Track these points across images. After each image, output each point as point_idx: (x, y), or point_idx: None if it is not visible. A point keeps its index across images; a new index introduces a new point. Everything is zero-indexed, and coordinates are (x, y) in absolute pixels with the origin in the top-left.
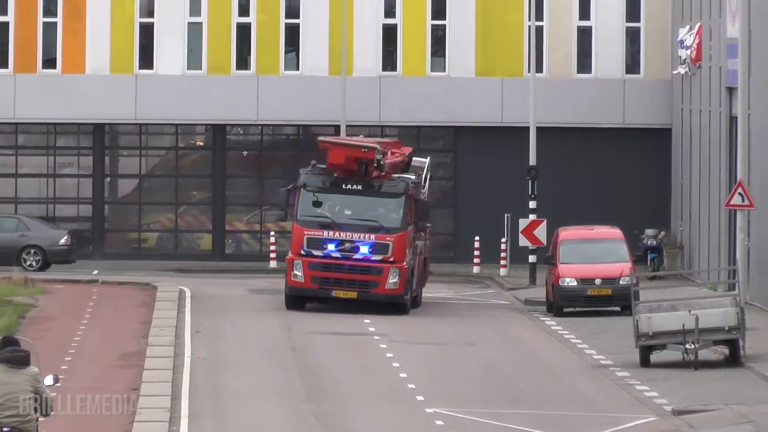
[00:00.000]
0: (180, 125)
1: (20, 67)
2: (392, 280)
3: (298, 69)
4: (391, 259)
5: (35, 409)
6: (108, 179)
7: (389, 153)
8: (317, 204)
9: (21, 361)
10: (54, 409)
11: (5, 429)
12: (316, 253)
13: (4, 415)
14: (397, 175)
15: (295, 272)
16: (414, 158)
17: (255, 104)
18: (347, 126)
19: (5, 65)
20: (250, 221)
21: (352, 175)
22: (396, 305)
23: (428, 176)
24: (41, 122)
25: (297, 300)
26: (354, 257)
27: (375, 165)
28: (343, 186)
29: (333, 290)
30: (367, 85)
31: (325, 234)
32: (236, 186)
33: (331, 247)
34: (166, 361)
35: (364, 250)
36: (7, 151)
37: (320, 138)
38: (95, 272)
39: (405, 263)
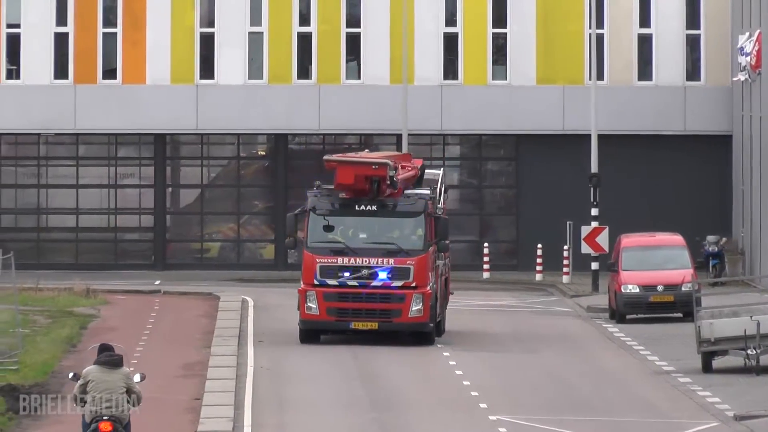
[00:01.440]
0: (241, 135)
1: (80, 78)
2: (415, 307)
3: (359, 78)
4: (413, 285)
5: (127, 401)
6: (170, 189)
7: (400, 168)
8: (328, 228)
9: (115, 363)
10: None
11: (105, 417)
12: (330, 282)
13: (103, 406)
14: (411, 191)
15: (309, 304)
16: (426, 170)
17: (316, 113)
18: (409, 134)
19: (65, 76)
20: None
21: (364, 195)
22: (420, 335)
23: (443, 189)
24: (102, 133)
25: (312, 334)
26: (372, 284)
27: (388, 182)
28: (356, 207)
29: (351, 321)
30: (429, 93)
31: (340, 261)
32: (298, 195)
33: (346, 274)
34: (228, 371)
35: (382, 276)
36: (68, 162)
37: (326, 157)
38: (157, 282)
39: (428, 288)
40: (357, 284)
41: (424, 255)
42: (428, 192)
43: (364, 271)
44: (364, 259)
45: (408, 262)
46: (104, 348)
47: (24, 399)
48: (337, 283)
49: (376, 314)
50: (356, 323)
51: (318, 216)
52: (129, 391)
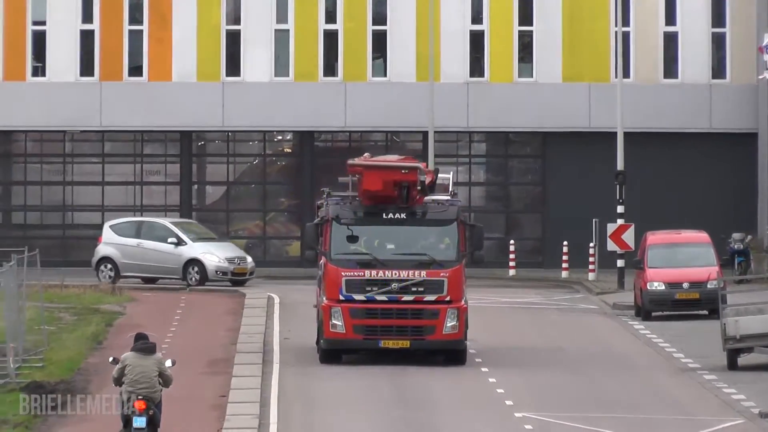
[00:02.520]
0: (267, 132)
1: (106, 75)
2: (450, 323)
3: (385, 75)
4: (448, 299)
5: (159, 383)
6: (195, 186)
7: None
8: (353, 239)
9: (149, 350)
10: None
11: (139, 397)
12: (357, 297)
13: (138, 388)
14: (439, 197)
15: (334, 322)
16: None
17: (342, 111)
18: (435, 132)
19: (91, 73)
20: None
21: (391, 202)
22: (453, 353)
23: (455, 193)
24: (128, 130)
25: (334, 354)
26: (403, 299)
27: (418, 188)
28: (384, 216)
29: (380, 340)
30: (455, 91)
31: (367, 274)
32: (324, 190)
33: (375, 289)
34: (254, 368)
35: (414, 290)
36: (93, 159)
37: (350, 162)
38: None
39: (463, 302)
40: (386, 299)
41: (458, 266)
42: (448, 197)
43: (394, 285)
44: (394, 272)
45: (441, 274)
46: (140, 337)
47: (50, 397)
48: (364, 299)
49: (407, 332)
50: (386, 341)
51: (341, 225)
52: (161, 375)
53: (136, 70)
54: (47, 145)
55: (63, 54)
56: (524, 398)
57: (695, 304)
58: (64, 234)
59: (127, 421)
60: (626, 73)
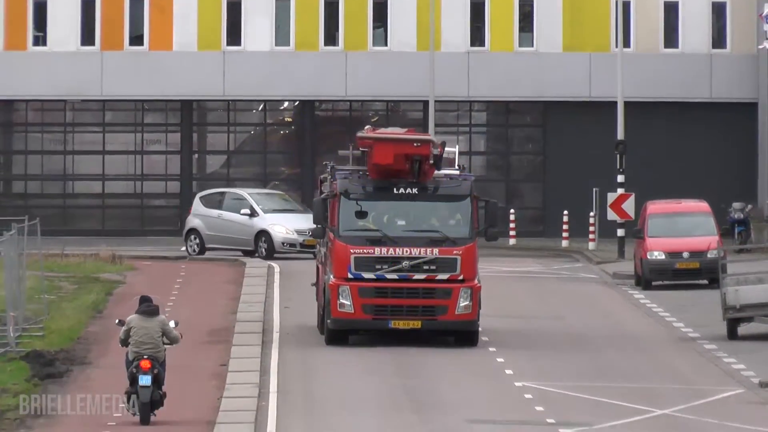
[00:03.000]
0: (268, 101)
1: (107, 45)
2: (463, 303)
3: (386, 45)
4: (461, 278)
5: (163, 343)
6: (196, 155)
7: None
8: (362, 215)
9: (153, 312)
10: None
11: (145, 356)
12: (366, 275)
13: (143, 348)
14: (450, 171)
15: (342, 301)
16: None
17: (343, 80)
18: (435, 101)
19: (92, 43)
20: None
21: (402, 177)
22: (465, 335)
23: (463, 167)
24: (128, 99)
25: (341, 335)
26: (414, 278)
27: (431, 162)
28: (394, 191)
29: (390, 320)
30: (455, 60)
31: (377, 251)
32: (324, 159)
33: (385, 267)
34: (254, 337)
35: (426, 268)
36: (94, 129)
37: (359, 134)
38: (183, 249)
39: (476, 281)
40: (397, 278)
41: (471, 244)
42: (457, 170)
43: (405, 263)
44: (405, 249)
45: (455, 252)
46: (144, 299)
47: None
48: (374, 277)
49: (418, 311)
50: (396, 322)
51: (350, 201)
52: (165, 335)
53: (137, 39)
54: (48, 115)
55: (64, 23)
56: (524, 368)
57: (695, 274)
58: (65, 203)
59: (133, 379)
60: (627, 43)
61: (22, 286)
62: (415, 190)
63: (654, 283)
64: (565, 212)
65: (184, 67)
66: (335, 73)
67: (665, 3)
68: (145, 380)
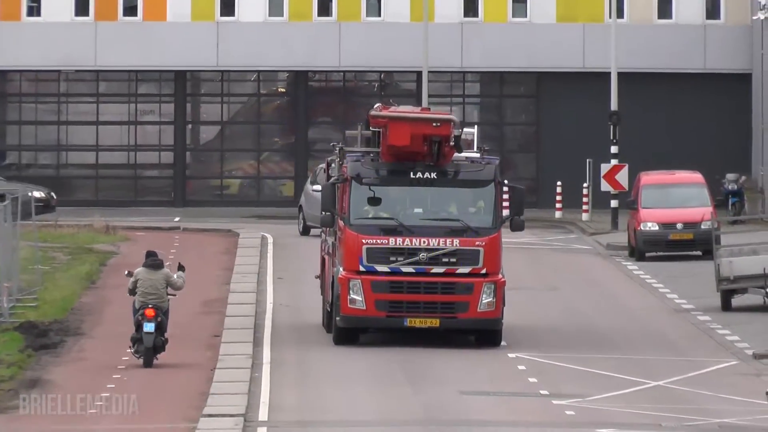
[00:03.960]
0: (261, 72)
1: (101, 15)
2: (486, 299)
3: (379, 15)
4: (484, 272)
5: (167, 293)
6: (190, 126)
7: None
8: (375, 201)
9: (158, 266)
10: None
11: (149, 305)
12: (380, 268)
13: (148, 298)
14: (471, 154)
15: (353, 296)
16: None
17: (337, 51)
18: (429, 72)
19: (86, 13)
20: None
21: (419, 160)
22: (487, 334)
23: (486, 149)
24: (122, 70)
25: (352, 333)
26: (433, 271)
27: (451, 143)
28: (411, 175)
29: (406, 317)
30: (449, 31)
31: (392, 242)
32: (318, 132)
33: (400, 259)
34: (248, 308)
35: (446, 260)
36: (88, 99)
37: (372, 112)
38: (177, 219)
39: (500, 275)
40: (413, 271)
41: (496, 234)
42: (477, 154)
43: (423, 255)
44: (423, 240)
45: (477, 243)
46: (150, 254)
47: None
48: (388, 270)
49: (437, 308)
50: (413, 320)
51: (362, 186)
52: (169, 285)
53: (130, 9)
54: (42, 85)
55: None
56: (518, 338)
57: (689, 245)
58: (58, 173)
59: (138, 326)
60: (620, 14)
61: (15, 256)
62: (433, 175)
63: (647, 255)
64: (559, 183)
65: (177, 37)
66: (329, 44)
67: None
68: (149, 327)
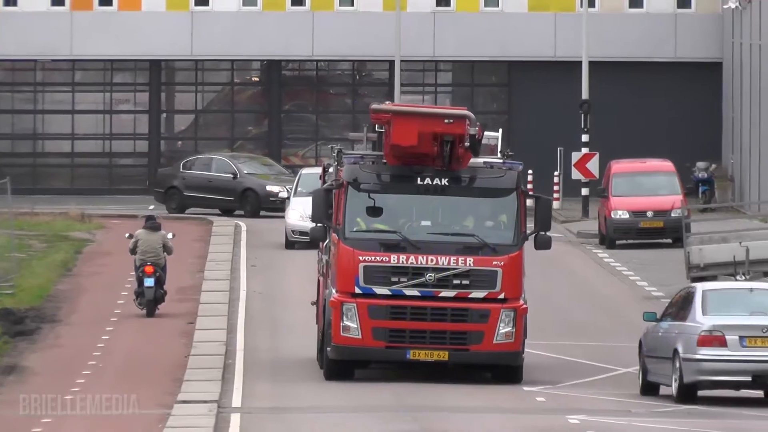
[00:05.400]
0: (235, 61)
1: (77, 5)
2: (504, 329)
3: (352, 5)
4: (502, 296)
5: (164, 252)
6: (164, 115)
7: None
8: (375, 212)
9: (156, 228)
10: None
11: (148, 263)
12: (379, 291)
13: (147, 256)
14: (491, 159)
15: (346, 323)
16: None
17: (310, 40)
18: (401, 61)
19: (62, 3)
20: (306, 156)
21: (428, 163)
22: (505, 370)
23: (510, 154)
24: (98, 59)
25: (346, 366)
26: (441, 295)
27: (466, 144)
28: (418, 181)
29: (409, 349)
30: (421, 20)
31: (393, 259)
32: (291, 121)
33: (403, 280)
34: (221, 295)
35: (457, 282)
36: (64, 88)
37: (374, 106)
38: (151, 207)
39: (522, 301)
40: (419, 294)
41: (516, 253)
42: (500, 160)
43: (430, 276)
44: (431, 258)
45: (494, 262)
46: (149, 218)
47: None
48: (389, 293)
49: (446, 339)
50: (417, 352)
51: (361, 193)
52: (165, 246)
53: (106, 1)
54: (18, 74)
55: None
56: None
57: (659, 233)
58: (35, 162)
59: (140, 281)
60: (591, 3)
61: None
62: (444, 181)
63: (618, 242)
64: (530, 171)
65: (152, 27)
66: (302, 33)
67: None
68: (149, 282)
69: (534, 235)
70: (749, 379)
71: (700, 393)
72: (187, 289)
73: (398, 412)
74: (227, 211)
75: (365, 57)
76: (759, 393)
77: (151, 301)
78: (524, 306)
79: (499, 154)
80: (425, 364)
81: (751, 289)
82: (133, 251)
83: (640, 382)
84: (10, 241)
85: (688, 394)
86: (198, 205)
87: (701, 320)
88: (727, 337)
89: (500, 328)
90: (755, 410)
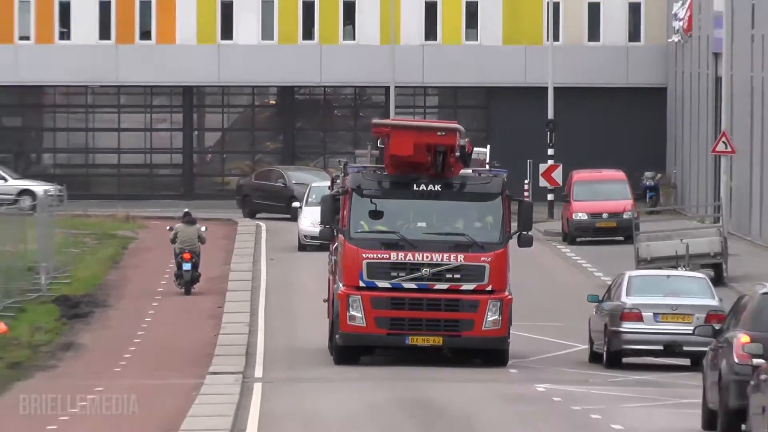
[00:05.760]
0: (255, 87)
1: (121, 38)
2: (491, 317)
3: (354, 39)
4: (489, 288)
5: (198, 241)
6: (196, 133)
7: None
8: (376, 215)
9: (192, 222)
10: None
11: (186, 250)
12: (381, 284)
13: (185, 245)
14: (476, 168)
15: (352, 313)
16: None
17: (318, 69)
18: (395, 87)
19: (108, 37)
20: (316, 166)
21: (423, 171)
22: (493, 353)
23: (496, 164)
24: (139, 85)
25: (352, 352)
26: (436, 288)
27: (457, 154)
28: (414, 187)
29: (408, 335)
30: (412, 52)
31: (393, 257)
32: (303, 137)
33: (402, 274)
34: (245, 284)
35: (449, 276)
36: (111, 110)
37: (375, 120)
38: (186, 210)
39: (507, 293)
40: (416, 287)
41: (502, 249)
42: (504, 170)
43: (426, 271)
44: (426, 255)
45: (482, 258)
46: (186, 213)
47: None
48: (389, 286)
49: (440, 326)
50: (415, 338)
51: (364, 198)
52: (199, 237)
53: (145, 34)
54: (72, 98)
55: (85, 21)
56: None
57: (613, 231)
58: (87, 172)
59: (179, 265)
60: (556, 37)
61: (51, 241)
62: (438, 187)
63: (578, 240)
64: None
65: (185, 58)
66: (311, 63)
67: (589, 3)
68: (187, 266)
69: (517, 234)
70: (661, 348)
71: (625, 360)
72: (216, 278)
73: (393, 382)
74: (281, 216)
75: (365, 83)
76: (686, 361)
77: (188, 282)
78: (509, 297)
79: (487, 166)
80: (422, 348)
81: (668, 276)
82: (173, 241)
83: (589, 352)
84: (67, 238)
85: (614, 360)
86: (262, 211)
87: (624, 300)
88: (643, 313)
89: (488, 316)
90: (689, 379)
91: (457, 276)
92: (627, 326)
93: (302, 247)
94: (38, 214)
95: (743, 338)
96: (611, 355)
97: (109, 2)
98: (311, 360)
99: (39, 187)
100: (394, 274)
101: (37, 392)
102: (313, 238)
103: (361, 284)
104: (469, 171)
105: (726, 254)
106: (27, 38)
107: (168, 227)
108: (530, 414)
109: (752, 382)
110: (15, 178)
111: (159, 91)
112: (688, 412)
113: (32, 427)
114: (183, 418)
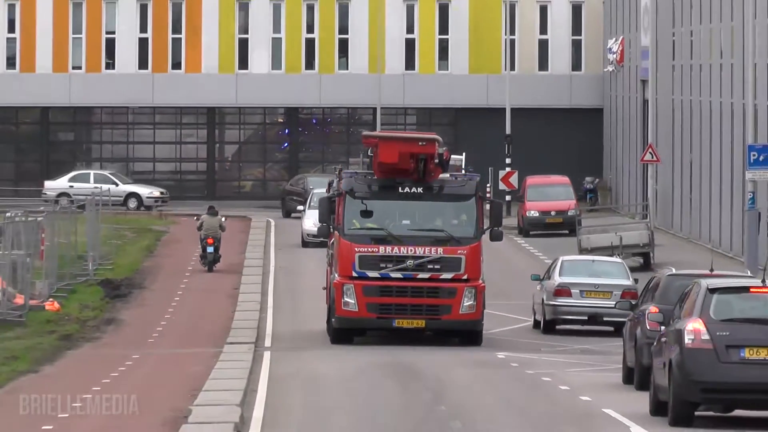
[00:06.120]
0: (266, 108)
1: (156, 68)
2: (467, 302)
3: (347, 69)
4: (465, 277)
5: (220, 228)
6: (217, 145)
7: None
8: (367, 214)
9: (215, 213)
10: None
11: (210, 236)
12: (371, 274)
13: (209, 231)
14: (453, 173)
15: (346, 299)
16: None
17: (318, 93)
18: (381, 108)
19: (146, 67)
20: (317, 172)
21: (407, 176)
22: (469, 334)
23: (470, 169)
24: (171, 106)
25: (347, 333)
26: (419, 277)
27: (436, 162)
28: (399, 190)
29: (394, 319)
30: (395, 79)
31: (381, 250)
32: (305, 150)
33: (390, 266)
34: (257, 269)
35: (431, 267)
36: (147, 126)
37: (365, 133)
38: (210, 204)
39: (481, 281)
40: (401, 276)
41: (476, 243)
42: (477, 174)
43: (410, 262)
44: (410, 248)
45: (459, 251)
46: (211, 207)
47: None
48: (378, 276)
49: (422, 311)
50: (400, 321)
51: (356, 199)
52: (220, 226)
53: (176, 65)
54: (116, 116)
55: (126, 53)
56: None
57: (560, 226)
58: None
59: (204, 248)
60: (512, 67)
61: (98, 234)
62: (420, 190)
63: (531, 233)
64: None
65: (209, 84)
66: (312, 89)
67: (539, 39)
68: (210, 249)
69: (489, 230)
70: (586, 318)
71: (558, 327)
72: (234, 265)
73: (380, 353)
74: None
75: (356, 105)
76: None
77: (211, 262)
78: (483, 284)
79: (463, 171)
80: (407, 330)
81: (593, 261)
82: (199, 228)
83: (533, 320)
84: (111, 232)
85: (549, 327)
86: (294, 211)
87: (557, 279)
88: (572, 290)
89: (464, 301)
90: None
91: (437, 267)
92: (559, 300)
93: (305, 244)
94: (87, 212)
95: (653, 309)
96: (547, 323)
97: (147, 38)
98: (312, 336)
99: (144, 190)
100: (382, 265)
101: (37, 392)
102: (314, 236)
103: (354, 274)
104: (447, 175)
105: (653, 245)
106: (79, 68)
107: (195, 217)
108: (492, 376)
109: (654, 344)
110: (124, 183)
111: (187, 111)
112: (617, 374)
113: (32, 427)
114: (206, 380)
